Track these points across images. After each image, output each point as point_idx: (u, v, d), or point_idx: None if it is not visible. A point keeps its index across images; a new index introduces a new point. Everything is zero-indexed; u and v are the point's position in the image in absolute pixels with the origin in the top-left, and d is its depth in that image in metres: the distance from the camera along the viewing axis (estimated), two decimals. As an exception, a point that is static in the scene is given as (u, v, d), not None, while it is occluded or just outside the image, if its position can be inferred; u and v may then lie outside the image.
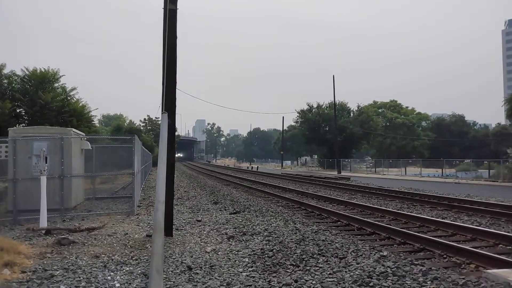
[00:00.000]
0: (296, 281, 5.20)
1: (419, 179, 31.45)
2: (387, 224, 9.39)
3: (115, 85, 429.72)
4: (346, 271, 5.56)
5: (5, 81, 23.88)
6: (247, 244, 7.45)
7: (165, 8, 7.78)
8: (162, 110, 6.88)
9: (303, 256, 6.36)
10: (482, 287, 4.84)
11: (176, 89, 8.24)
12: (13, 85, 24.15)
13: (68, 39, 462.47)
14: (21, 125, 22.94)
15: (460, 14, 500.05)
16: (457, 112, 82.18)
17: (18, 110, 23.47)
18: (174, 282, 5.21)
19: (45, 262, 6.09)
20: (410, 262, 5.92)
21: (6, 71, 24.02)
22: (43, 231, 8.42)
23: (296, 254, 6.48)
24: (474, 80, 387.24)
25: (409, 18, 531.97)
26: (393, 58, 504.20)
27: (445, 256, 6.67)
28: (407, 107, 79.61)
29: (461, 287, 4.87)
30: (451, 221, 9.91)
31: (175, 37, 8.07)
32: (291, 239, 7.61)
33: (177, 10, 7.99)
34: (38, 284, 5.05)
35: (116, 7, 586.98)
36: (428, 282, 5.01)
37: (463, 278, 5.13)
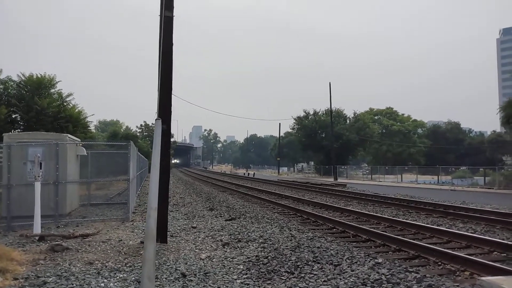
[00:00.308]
0: (290, 288, 5.19)
1: (415, 186, 31.50)
2: (383, 231, 9.38)
3: (112, 90, 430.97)
4: (340, 278, 5.55)
5: (1, 86, 23.80)
6: (242, 251, 7.42)
7: (161, 15, 7.82)
8: (157, 116, 6.89)
9: (298, 263, 6.34)
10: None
11: (172, 95, 8.25)
12: (9, 90, 24.06)
13: (67, 43, 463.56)
14: (16, 130, 22.84)
15: (457, 23, 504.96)
16: (452, 119, 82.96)
17: (13, 116, 23.36)
18: (167, 289, 5.18)
19: (38, 268, 6.04)
20: (404, 269, 5.92)
21: (2, 76, 23.98)
22: (37, 238, 8.36)
23: (291, 261, 6.46)
24: (470, 88, 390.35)
25: (408, 26, 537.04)
26: (390, 66, 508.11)
27: (440, 263, 6.67)
28: (403, 114, 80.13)
29: (455, 294, 4.86)
30: (447, 228, 9.92)
31: (171, 43, 8.09)
32: (286, 246, 7.59)
33: (173, 17, 8.03)
34: (30, 291, 5.01)
35: (116, 13, 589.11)
36: (423, 290, 5.00)
37: (458, 285, 5.13)
